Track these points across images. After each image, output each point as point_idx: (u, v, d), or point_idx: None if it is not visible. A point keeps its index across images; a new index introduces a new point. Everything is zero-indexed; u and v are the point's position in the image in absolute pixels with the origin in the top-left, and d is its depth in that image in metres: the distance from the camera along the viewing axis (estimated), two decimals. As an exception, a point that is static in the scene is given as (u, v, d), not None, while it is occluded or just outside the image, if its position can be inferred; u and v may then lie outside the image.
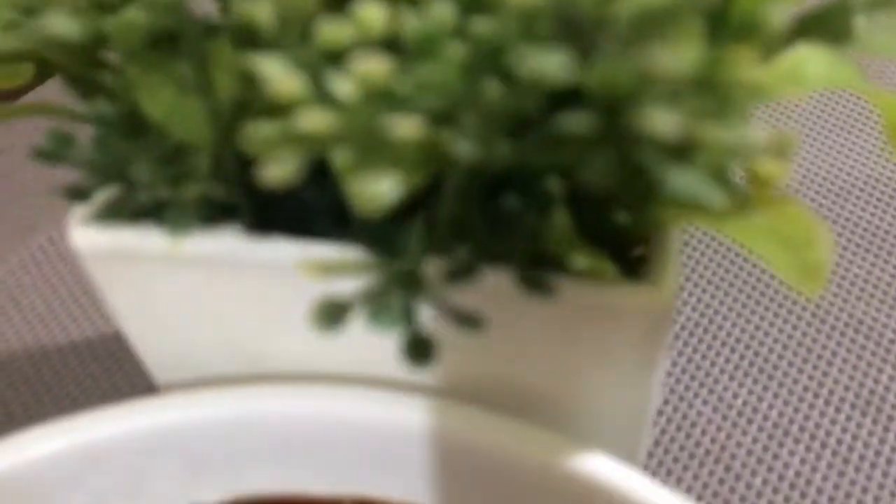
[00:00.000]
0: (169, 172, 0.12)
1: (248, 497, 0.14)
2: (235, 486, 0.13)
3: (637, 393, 0.13)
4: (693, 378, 0.21)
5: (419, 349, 0.10)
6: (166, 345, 0.14)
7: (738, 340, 0.21)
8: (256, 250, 0.13)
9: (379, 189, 0.10)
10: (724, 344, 0.21)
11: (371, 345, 0.13)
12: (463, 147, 0.09)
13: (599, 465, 0.12)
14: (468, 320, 0.10)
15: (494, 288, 0.11)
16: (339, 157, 0.10)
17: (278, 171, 0.09)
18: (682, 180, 0.08)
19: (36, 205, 0.26)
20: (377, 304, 0.10)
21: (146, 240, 0.13)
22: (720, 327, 0.22)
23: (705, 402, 0.20)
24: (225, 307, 0.13)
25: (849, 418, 0.20)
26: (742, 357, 0.21)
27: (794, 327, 0.22)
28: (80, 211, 0.13)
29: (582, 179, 0.08)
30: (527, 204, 0.10)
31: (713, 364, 0.21)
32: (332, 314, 0.10)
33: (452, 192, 0.10)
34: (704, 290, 0.22)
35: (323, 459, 0.13)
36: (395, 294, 0.10)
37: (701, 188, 0.08)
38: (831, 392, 0.20)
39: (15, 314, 0.23)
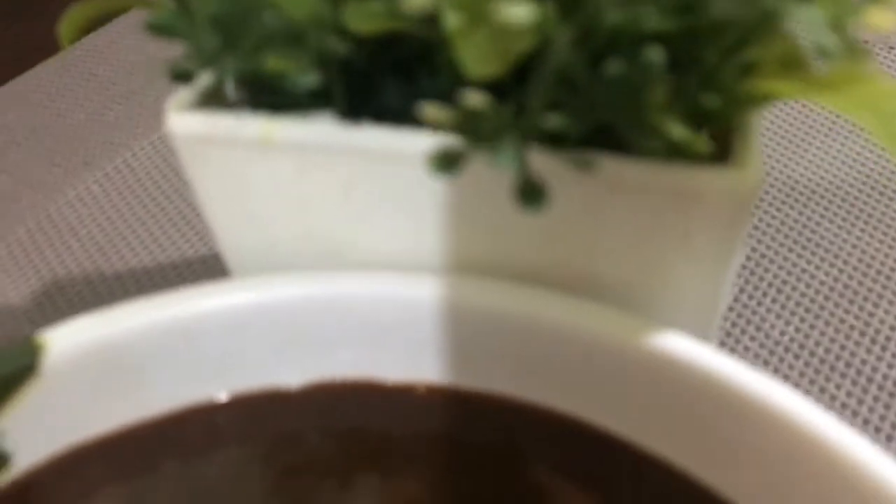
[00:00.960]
0: (273, 52, 0.12)
1: (327, 381, 0.14)
2: (316, 370, 0.14)
3: (713, 283, 0.13)
4: (740, 316, 0.21)
5: (532, 192, 0.10)
6: (250, 237, 0.15)
7: (784, 282, 0.22)
8: (349, 137, 0.13)
9: (489, 51, 0.10)
10: (770, 285, 0.22)
11: (453, 237, 0.14)
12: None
13: (681, 343, 0.12)
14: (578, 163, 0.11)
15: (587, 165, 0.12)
16: (450, 20, 0.10)
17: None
18: (806, 16, 0.08)
19: (92, 142, 0.26)
20: (494, 147, 0.10)
21: (241, 126, 0.13)
22: (767, 270, 0.22)
23: (753, 339, 0.21)
24: (313, 197, 0.14)
25: (894, 356, 0.20)
26: (789, 297, 0.22)
27: (841, 270, 0.22)
28: (178, 97, 0.14)
29: (703, 24, 0.09)
30: (631, 70, 0.10)
31: (760, 303, 0.22)
32: (447, 160, 0.10)
33: (561, 53, 0.10)
34: (752, 235, 0.23)
35: (403, 344, 0.14)
36: (508, 137, 0.10)
37: (820, 31, 0.09)
38: (877, 331, 0.21)
39: (75, 244, 0.24)
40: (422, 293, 0.13)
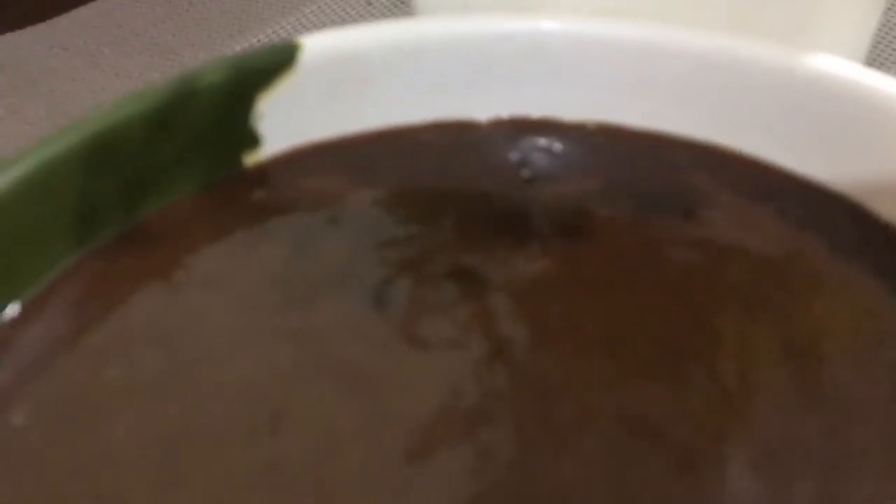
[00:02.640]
0: None
1: (513, 117, 0.16)
2: (503, 106, 0.16)
3: (861, 34, 0.15)
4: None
5: None
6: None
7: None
8: None
9: None
10: None
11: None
12: None
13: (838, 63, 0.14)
14: None
15: None
16: None
17: None
18: None
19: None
20: None
21: None
22: None
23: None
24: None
25: None
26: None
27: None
28: None
29: None
30: None
31: None
32: None
33: None
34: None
35: (581, 85, 0.16)
36: None
37: None
38: None
39: None
40: (605, 31, 0.16)
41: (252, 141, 0.15)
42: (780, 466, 0.11)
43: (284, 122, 0.16)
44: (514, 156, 0.16)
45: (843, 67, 0.14)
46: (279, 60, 0.15)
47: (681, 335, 0.12)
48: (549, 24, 0.16)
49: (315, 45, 0.15)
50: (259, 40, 0.29)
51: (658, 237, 0.14)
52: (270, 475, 0.11)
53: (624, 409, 0.11)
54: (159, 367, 0.12)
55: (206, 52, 0.34)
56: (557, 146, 0.16)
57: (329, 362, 0.12)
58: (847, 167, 0.15)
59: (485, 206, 0.15)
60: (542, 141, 0.16)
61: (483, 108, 0.16)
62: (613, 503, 0.10)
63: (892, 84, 0.14)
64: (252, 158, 0.16)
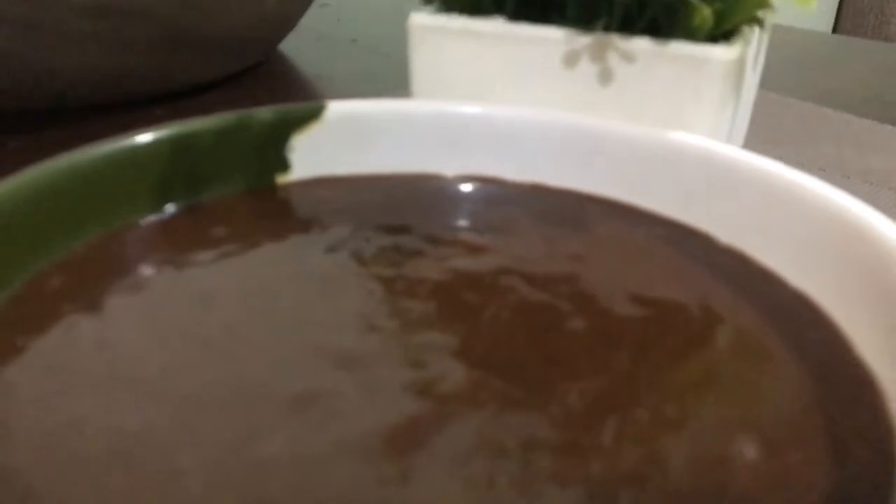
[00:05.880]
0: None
1: (467, 175, 0.23)
2: (464, 166, 0.23)
3: (717, 122, 0.22)
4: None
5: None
6: (439, 90, 0.24)
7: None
8: (516, 29, 0.23)
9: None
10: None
11: (564, 93, 0.23)
12: None
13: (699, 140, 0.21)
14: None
15: (638, 49, 0.21)
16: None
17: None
18: None
19: None
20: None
21: (450, 21, 0.23)
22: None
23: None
24: (487, 68, 0.24)
25: None
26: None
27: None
28: (419, 9, 0.24)
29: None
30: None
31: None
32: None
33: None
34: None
35: (520, 154, 0.23)
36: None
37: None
38: None
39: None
40: (552, 118, 0.22)
41: (284, 166, 0.22)
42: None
43: (308, 157, 0.22)
44: (467, 197, 0.22)
45: (698, 140, 0.21)
46: (311, 113, 0.22)
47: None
48: (499, 110, 0.23)
49: (337, 107, 0.22)
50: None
51: (556, 249, 0.20)
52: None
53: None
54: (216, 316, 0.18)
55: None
56: (499, 192, 0.23)
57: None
58: (721, 218, 0.21)
59: (441, 225, 0.21)
60: (490, 188, 0.23)
61: (450, 165, 0.23)
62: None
63: (739, 151, 0.20)
64: (282, 178, 0.22)
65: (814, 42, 0.62)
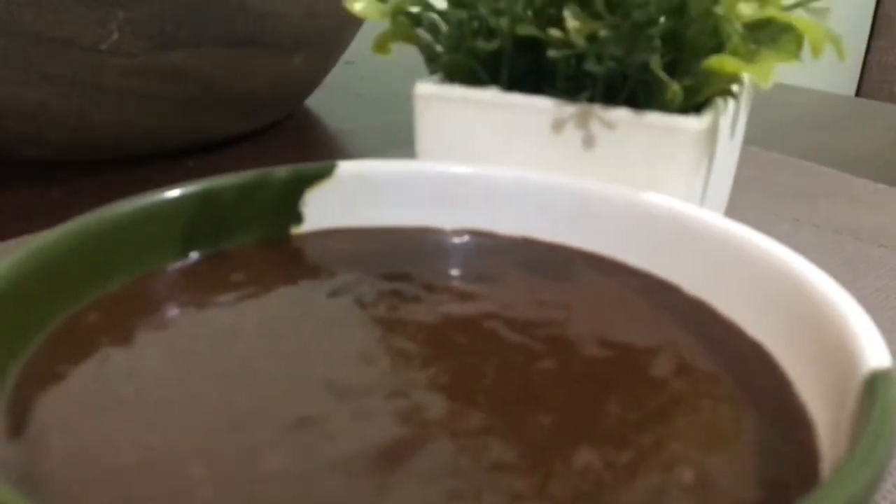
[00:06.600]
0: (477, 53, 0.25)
1: (463, 228, 0.25)
2: (461, 221, 0.25)
3: (691, 185, 0.24)
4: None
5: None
6: (440, 152, 0.27)
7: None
8: (510, 99, 0.25)
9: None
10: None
11: (554, 158, 0.25)
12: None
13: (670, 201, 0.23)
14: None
15: (613, 119, 0.23)
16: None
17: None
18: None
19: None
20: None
21: (451, 90, 0.26)
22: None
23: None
24: (484, 133, 0.26)
25: None
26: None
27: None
28: (423, 78, 0.27)
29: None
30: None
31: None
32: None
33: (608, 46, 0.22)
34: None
35: (512, 210, 0.25)
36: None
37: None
38: None
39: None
40: (540, 178, 0.25)
41: (298, 218, 0.24)
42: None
43: (320, 211, 0.25)
44: (463, 248, 0.25)
45: (668, 201, 0.23)
46: (324, 171, 0.25)
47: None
48: (493, 171, 0.25)
49: (347, 166, 0.25)
50: None
51: (539, 297, 0.22)
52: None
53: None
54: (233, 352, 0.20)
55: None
56: (491, 245, 0.25)
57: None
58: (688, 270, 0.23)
59: (437, 274, 0.23)
60: (483, 240, 0.25)
61: (448, 219, 0.25)
62: None
63: (703, 212, 0.22)
64: (296, 230, 0.24)
65: (828, 103, 0.64)
